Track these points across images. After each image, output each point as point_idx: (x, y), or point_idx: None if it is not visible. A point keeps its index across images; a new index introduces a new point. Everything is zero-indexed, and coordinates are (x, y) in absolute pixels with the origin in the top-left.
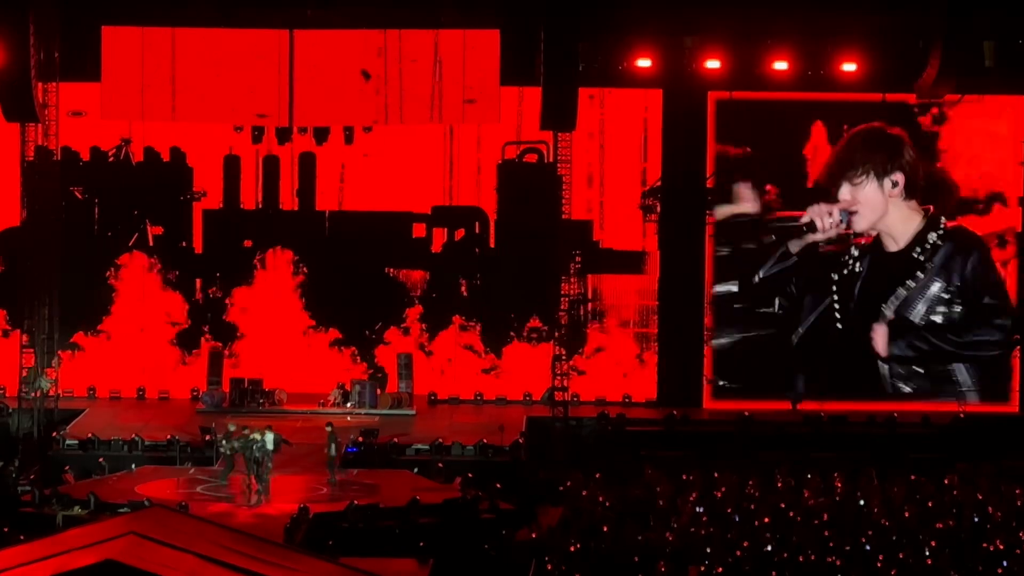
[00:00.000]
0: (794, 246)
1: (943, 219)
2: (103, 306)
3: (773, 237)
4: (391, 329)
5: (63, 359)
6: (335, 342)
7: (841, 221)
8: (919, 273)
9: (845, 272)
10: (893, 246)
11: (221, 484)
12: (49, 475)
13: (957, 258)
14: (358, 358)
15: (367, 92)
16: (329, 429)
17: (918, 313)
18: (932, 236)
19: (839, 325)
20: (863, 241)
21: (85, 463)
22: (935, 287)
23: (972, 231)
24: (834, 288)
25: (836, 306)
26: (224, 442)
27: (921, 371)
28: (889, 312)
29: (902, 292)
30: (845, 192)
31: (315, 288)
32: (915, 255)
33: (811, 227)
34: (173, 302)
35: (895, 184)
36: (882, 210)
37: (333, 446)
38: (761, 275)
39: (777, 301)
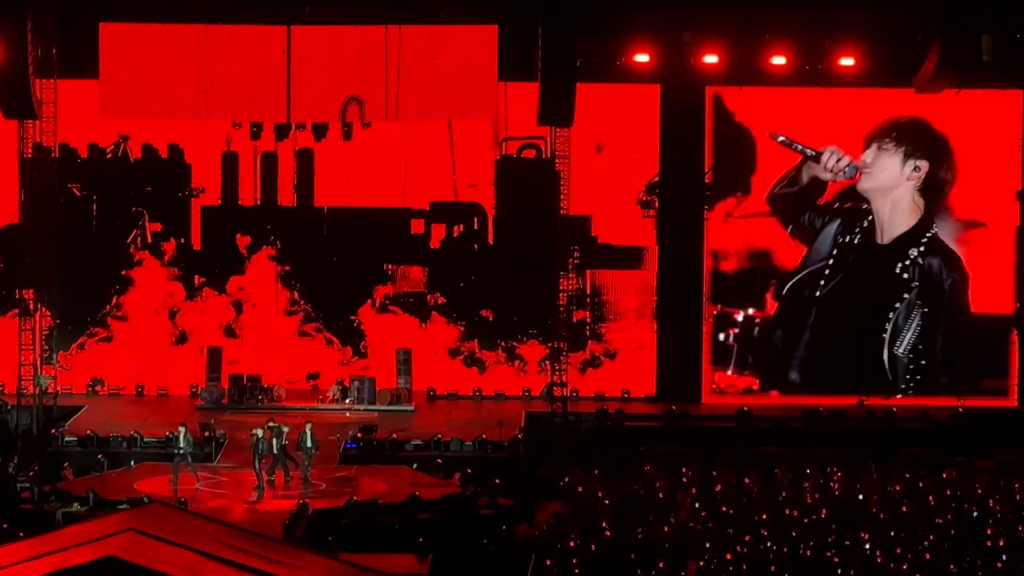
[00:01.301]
0: (805, 175)
1: (933, 228)
2: (102, 303)
3: (781, 138)
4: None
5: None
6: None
7: (845, 171)
8: (906, 295)
9: (846, 240)
10: (879, 238)
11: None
12: (48, 472)
13: (936, 279)
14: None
15: (365, 88)
16: (271, 424)
17: (905, 344)
18: (914, 251)
19: (817, 293)
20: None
21: (84, 460)
22: (917, 314)
23: (951, 249)
24: (833, 252)
25: (826, 271)
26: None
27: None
28: (886, 350)
29: (891, 317)
30: (869, 154)
31: (308, 283)
32: (899, 271)
33: (816, 157)
34: (172, 297)
35: (917, 169)
36: (891, 184)
37: (275, 442)
38: (774, 191)
39: (791, 227)
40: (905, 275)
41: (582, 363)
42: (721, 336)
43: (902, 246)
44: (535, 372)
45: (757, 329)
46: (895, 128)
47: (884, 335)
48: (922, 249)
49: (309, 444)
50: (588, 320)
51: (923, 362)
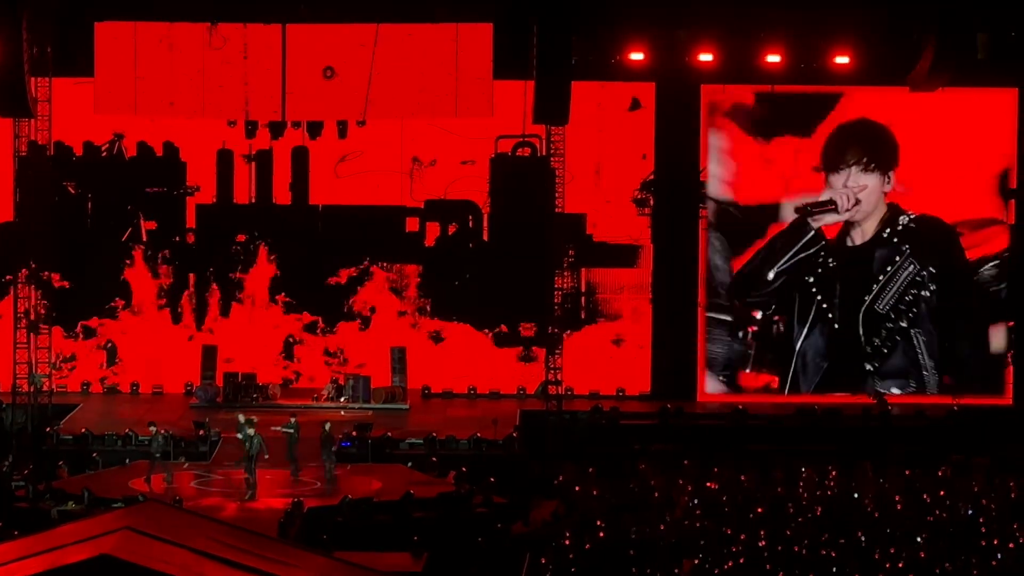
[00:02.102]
0: (814, 226)
1: (909, 214)
2: (97, 300)
3: (805, 207)
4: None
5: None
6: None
7: (856, 204)
8: (897, 258)
9: (820, 271)
10: (859, 239)
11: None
12: (43, 470)
13: (929, 242)
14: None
15: (360, 86)
16: (254, 430)
17: (886, 302)
18: (904, 219)
19: (836, 325)
20: (831, 239)
21: (79, 458)
22: (909, 270)
23: (939, 218)
24: (815, 292)
25: (824, 305)
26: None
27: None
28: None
29: (881, 279)
30: (859, 176)
31: (303, 281)
32: (887, 236)
33: (836, 206)
34: (166, 295)
35: (888, 180)
36: (875, 204)
37: (256, 442)
38: (774, 273)
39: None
40: (895, 239)
41: (577, 361)
42: (740, 334)
43: (882, 230)
44: (529, 365)
45: (776, 328)
46: (856, 142)
47: (867, 296)
48: (913, 216)
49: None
50: (582, 318)
51: (898, 337)
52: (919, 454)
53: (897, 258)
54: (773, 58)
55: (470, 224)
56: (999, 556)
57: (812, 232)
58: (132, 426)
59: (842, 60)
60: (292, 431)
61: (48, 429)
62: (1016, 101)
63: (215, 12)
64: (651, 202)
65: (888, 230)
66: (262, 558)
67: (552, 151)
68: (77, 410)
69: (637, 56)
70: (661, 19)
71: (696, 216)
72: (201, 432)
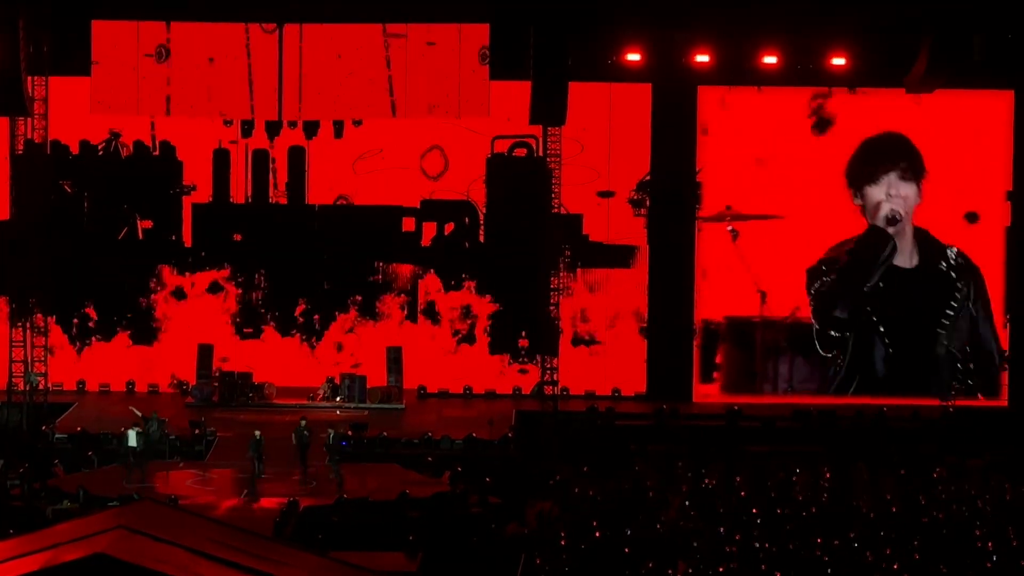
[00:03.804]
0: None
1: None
2: (94, 299)
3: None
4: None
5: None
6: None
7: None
8: (957, 294)
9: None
10: (905, 262)
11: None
12: (39, 469)
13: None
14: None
15: (357, 86)
16: (258, 435)
17: (959, 343)
18: (951, 253)
19: (890, 350)
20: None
21: (74, 457)
22: (966, 313)
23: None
24: (871, 313)
25: (881, 328)
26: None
27: None
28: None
29: (950, 316)
30: (899, 185)
31: (299, 280)
32: (944, 268)
33: (893, 219)
34: (163, 294)
35: (919, 189)
36: (912, 213)
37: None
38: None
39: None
40: (953, 273)
41: (573, 360)
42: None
43: (933, 254)
44: (525, 365)
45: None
46: (892, 151)
47: (940, 331)
48: (956, 253)
49: (330, 446)
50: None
51: (971, 364)
52: (914, 456)
53: (957, 295)
54: (769, 59)
55: (466, 224)
56: (994, 558)
57: (891, 243)
58: (127, 425)
59: (838, 61)
60: (304, 433)
61: (44, 428)
62: (1012, 103)
63: (212, 11)
64: (647, 203)
65: (944, 263)
66: (257, 557)
67: (548, 151)
68: (72, 409)
69: (634, 57)
70: (658, 20)
71: (692, 216)
72: (197, 431)
